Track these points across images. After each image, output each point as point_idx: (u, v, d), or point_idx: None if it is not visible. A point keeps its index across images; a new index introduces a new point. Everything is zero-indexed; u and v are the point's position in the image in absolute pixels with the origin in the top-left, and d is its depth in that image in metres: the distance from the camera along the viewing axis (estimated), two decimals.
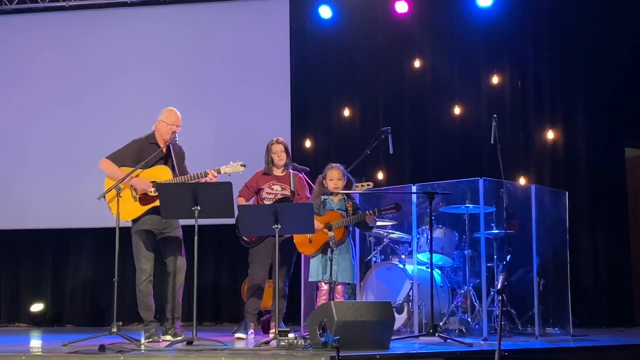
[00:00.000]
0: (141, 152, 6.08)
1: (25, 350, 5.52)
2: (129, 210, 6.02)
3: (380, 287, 7.01)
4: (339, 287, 6.08)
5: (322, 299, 6.09)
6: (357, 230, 7.04)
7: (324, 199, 6.23)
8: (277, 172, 6.58)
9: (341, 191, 6.18)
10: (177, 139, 6.15)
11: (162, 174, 6.04)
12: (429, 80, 9.02)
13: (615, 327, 7.96)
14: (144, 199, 6.01)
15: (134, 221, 6.10)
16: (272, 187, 6.53)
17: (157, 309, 6.18)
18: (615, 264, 8.36)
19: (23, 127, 9.47)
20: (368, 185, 6.61)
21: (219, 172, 5.96)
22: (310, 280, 6.25)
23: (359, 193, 6.63)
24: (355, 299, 6.91)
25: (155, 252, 6.17)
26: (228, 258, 9.25)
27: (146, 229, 6.09)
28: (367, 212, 6.07)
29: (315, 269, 6.14)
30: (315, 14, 9.21)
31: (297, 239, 6.21)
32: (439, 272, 7.12)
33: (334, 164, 6.30)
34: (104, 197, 5.87)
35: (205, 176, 5.93)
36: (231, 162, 6.00)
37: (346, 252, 6.11)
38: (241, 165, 6.00)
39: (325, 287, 6.07)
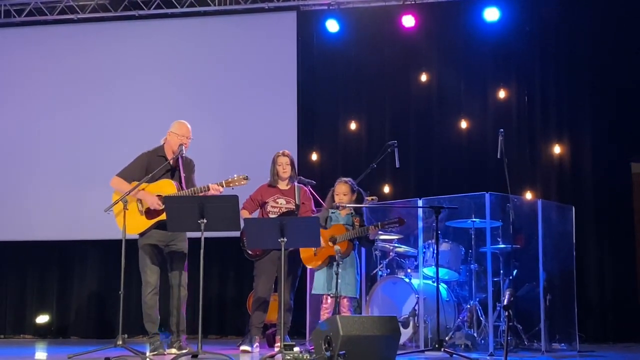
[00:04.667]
0: (149, 165, 6.11)
1: None
2: (135, 224, 6.04)
3: (386, 301, 6.99)
4: (345, 301, 6.05)
5: (325, 312, 6.09)
6: None
7: (332, 213, 6.23)
8: (282, 185, 6.59)
9: (347, 205, 6.18)
10: (185, 152, 6.16)
11: (167, 187, 6.04)
12: (435, 94, 9.03)
13: (622, 342, 7.92)
14: (150, 213, 6.02)
15: (141, 235, 6.12)
16: (277, 200, 6.54)
17: (160, 321, 6.18)
18: (621, 279, 8.32)
19: (29, 139, 9.49)
20: (373, 199, 6.61)
21: (222, 185, 5.94)
22: (314, 292, 6.25)
23: (366, 207, 6.63)
24: (361, 313, 6.89)
25: (160, 265, 6.18)
26: (233, 271, 9.23)
27: (152, 242, 6.11)
28: (371, 225, 6.06)
29: (319, 282, 6.15)
30: (322, 28, 9.22)
31: (303, 252, 6.22)
32: (445, 286, 7.09)
33: (343, 179, 6.32)
34: (112, 210, 5.92)
35: (208, 190, 5.90)
36: (235, 175, 5.96)
37: (350, 266, 6.11)
38: (244, 178, 5.96)
39: (329, 300, 6.07)
